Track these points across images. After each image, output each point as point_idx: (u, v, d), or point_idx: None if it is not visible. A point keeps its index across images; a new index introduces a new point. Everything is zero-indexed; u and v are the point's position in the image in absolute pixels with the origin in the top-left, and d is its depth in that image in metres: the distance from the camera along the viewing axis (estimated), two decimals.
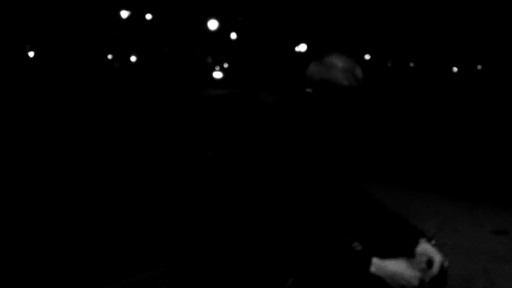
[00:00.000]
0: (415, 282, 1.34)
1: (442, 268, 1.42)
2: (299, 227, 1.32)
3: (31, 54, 34.17)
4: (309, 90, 1.43)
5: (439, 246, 1.48)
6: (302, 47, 38.48)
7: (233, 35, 34.66)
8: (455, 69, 45.90)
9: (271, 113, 1.44)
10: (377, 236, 1.52)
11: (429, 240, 1.50)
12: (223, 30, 34.86)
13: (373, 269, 1.32)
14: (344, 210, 1.53)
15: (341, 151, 1.55)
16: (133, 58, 41.37)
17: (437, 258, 1.43)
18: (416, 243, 1.48)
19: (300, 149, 1.40)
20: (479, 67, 44.54)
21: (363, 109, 1.46)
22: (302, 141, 1.42)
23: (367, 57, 46.29)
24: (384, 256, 1.36)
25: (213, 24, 32.60)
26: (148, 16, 37.36)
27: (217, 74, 35.72)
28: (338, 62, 1.43)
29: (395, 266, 1.34)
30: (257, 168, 1.34)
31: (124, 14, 34.65)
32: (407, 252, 1.45)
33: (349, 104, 1.42)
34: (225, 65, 40.10)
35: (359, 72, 1.44)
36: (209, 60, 41.32)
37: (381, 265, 1.33)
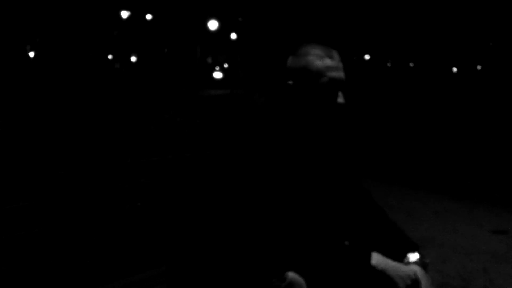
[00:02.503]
0: (412, 276, 1.35)
1: None
2: (296, 224, 1.32)
3: (31, 54, 34.17)
4: (290, 82, 1.45)
5: (427, 265, 1.43)
6: None
7: (233, 35, 34.63)
8: (454, 69, 45.87)
9: (260, 113, 1.45)
10: (371, 243, 1.51)
11: (420, 258, 1.43)
12: (223, 30, 34.85)
13: (374, 261, 1.33)
14: (340, 210, 1.52)
15: (333, 145, 1.54)
16: (133, 59, 41.36)
17: (423, 282, 1.37)
18: (404, 256, 1.44)
19: (291, 147, 1.40)
20: (478, 67, 44.51)
21: (345, 89, 1.46)
22: (292, 139, 1.42)
23: (367, 57, 46.26)
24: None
25: (213, 24, 32.57)
26: (148, 16, 37.35)
27: (217, 74, 35.72)
28: (310, 49, 1.44)
29: (394, 262, 1.36)
30: (251, 168, 1.35)
31: (125, 14, 34.64)
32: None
33: (329, 86, 1.42)
34: (225, 65, 40.10)
35: (335, 55, 1.44)
36: (209, 60, 41.30)
37: (382, 258, 1.34)
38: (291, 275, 1.31)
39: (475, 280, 2.99)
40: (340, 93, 1.44)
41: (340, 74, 1.43)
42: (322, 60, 1.42)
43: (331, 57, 1.43)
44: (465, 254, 3.42)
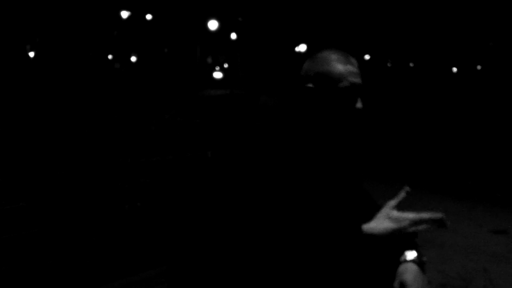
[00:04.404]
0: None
1: None
2: (299, 228, 1.32)
3: (31, 54, 34.15)
4: (309, 85, 1.44)
5: (424, 264, 1.42)
6: (302, 47, 38.48)
7: (233, 35, 34.62)
8: (454, 69, 45.87)
9: (273, 115, 1.45)
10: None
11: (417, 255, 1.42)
12: (223, 30, 34.84)
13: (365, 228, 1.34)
14: (344, 211, 1.52)
15: (347, 150, 1.54)
16: (133, 59, 41.34)
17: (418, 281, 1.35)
18: (402, 254, 1.42)
19: (305, 149, 1.40)
20: (478, 67, 44.51)
21: (365, 96, 1.46)
22: (307, 141, 1.42)
23: (367, 57, 46.26)
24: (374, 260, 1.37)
25: (213, 24, 32.56)
26: (148, 16, 37.34)
27: (217, 74, 35.74)
28: (331, 54, 1.44)
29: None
30: (260, 170, 1.34)
31: (124, 14, 34.63)
32: (393, 262, 1.42)
33: (350, 91, 1.42)
34: (225, 65, 40.10)
35: (353, 61, 1.45)
36: (209, 60, 41.29)
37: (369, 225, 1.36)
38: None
39: (475, 280, 2.99)
40: (359, 99, 1.45)
41: (359, 80, 1.44)
42: (344, 65, 1.42)
43: (351, 63, 1.44)
44: (465, 254, 3.42)
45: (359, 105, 1.44)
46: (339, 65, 1.42)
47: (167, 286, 1.52)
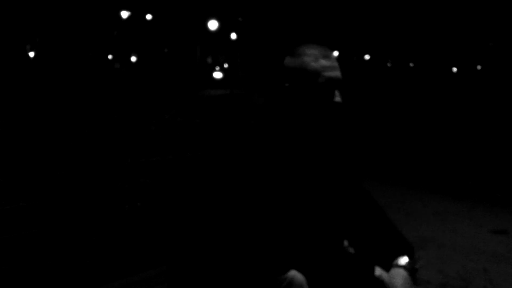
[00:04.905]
0: None
1: None
2: (296, 224, 1.32)
3: (31, 54, 34.16)
4: (286, 84, 1.45)
5: (416, 270, 1.42)
6: None
7: (233, 35, 34.61)
8: (454, 69, 45.88)
9: (260, 114, 1.45)
10: (368, 243, 1.50)
11: (411, 261, 1.42)
12: (223, 30, 34.84)
13: (377, 272, 1.33)
14: (341, 210, 1.52)
15: (332, 147, 1.54)
16: (133, 59, 41.35)
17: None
18: (396, 258, 1.43)
19: (291, 147, 1.40)
20: (478, 67, 44.52)
21: (342, 88, 1.46)
22: (292, 139, 1.42)
23: (367, 57, 46.28)
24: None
25: (213, 24, 32.56)
26: (148, 16, 37.34)
27: (217, 74, 35.75)
28: (307, 49, 1.45)
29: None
30: (252, 168, 1.35)
31: (124, 14, 34.63)
32: (387, 266, 1.42)
33: (326, 86, 1.42)
34: (225, 65, 40.11)
35: (330, 55, 1.44)
36: (209, 60, 41.29)
37: (384, 272, 1.34)
38: (293, 273, 1.31)
39: (475, 280, 2.99)
40: (337, 92, 1.44)
41: (337, 73, 1.43)
42: (318, 60, 1.42)
43: (326, 57, 1.43)
44: (465, 254, 3.42)
45: (337, 98, 1.44)
46: (313, 61, 1.42)
47: (167, 286, 1.52)
